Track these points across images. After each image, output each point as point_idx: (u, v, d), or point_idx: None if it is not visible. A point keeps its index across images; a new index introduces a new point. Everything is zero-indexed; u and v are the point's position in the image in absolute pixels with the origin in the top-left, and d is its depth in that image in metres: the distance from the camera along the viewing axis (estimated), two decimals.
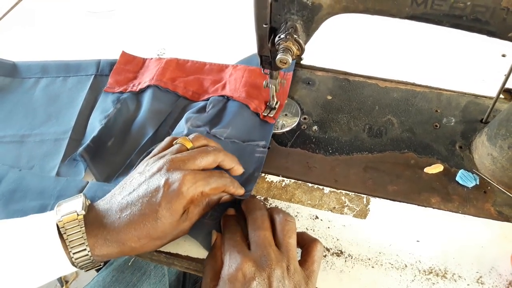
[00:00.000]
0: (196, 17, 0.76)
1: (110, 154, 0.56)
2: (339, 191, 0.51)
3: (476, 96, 0.61)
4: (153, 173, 0.43)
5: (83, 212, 0.40)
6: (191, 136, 0.48)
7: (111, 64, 0.66)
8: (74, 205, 0.41)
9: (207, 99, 0.60)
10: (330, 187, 0.51)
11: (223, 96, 0.60)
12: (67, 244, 0.39)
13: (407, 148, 0.54)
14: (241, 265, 0.38)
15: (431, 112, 0.58)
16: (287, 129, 0.57)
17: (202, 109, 0.59)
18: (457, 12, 0.39)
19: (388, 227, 0.48)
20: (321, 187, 0.51)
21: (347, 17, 0.46)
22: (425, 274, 0.44)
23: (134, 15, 0.74)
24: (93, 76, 0.66)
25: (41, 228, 0.40)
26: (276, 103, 0.58)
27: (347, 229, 0.48)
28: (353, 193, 0.51)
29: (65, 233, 0.39)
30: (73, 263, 0.40)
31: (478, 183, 0.50)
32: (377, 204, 0.50)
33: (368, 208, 0.50)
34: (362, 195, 0.51)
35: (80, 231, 0.39)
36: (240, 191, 0.47)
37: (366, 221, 0.48)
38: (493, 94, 0.54)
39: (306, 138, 0.56)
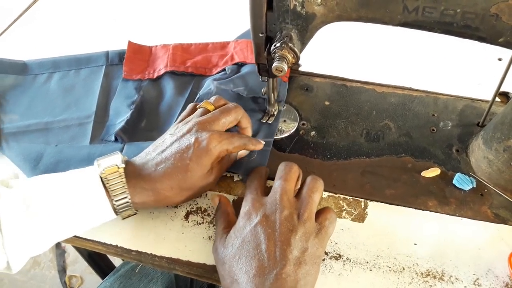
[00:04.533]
0: (187, 9, 0.79)
1: (145, 132, 0.60)
2: (337, 195, 0.52)
3: (473, 99, 0.61)
4: (183, 133, 0.48)
5: (123, 165, 0.45)
6: (212, 99, 0.53)
7: (119, 54, 0.71)
8: (113, 160, 0.46)
9: (222, 70, 0.66)
10: (329, 191, 0.52)
11: (236, 64, 0.66)
12: (110, 193, 0.44)
13: (404, 152, 0.55)
14: (253, 205, 0.44)
15: (428, 116, 0.59)
16: (286, 134, 0.58)
17: (223, 75, 0.65)
18: (448, 19, 0.40)
19: (386, 231, 0.48)
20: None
21: (344, 24, 0.46)
22: (423, 277, 0.45)
23: (134, 21, 0.75)
24: (104, 66, 0.70)
25: (85, 180, 0.44)
26: (275, 110, 0.59)
27: (345, 232, 0.49)
28: (351, 197, 0.52)
29: (107, 183, 0.44)
30: (114, 210, 0.45)
31: (474, 186, 0.51)
32: (375, 208, 0.50)
33: (366, 212, 0.50)
34: (360, 199, 0.51)
35: (121, 181, 0.44)
36: (259, 146, 0.52)
37: (364, 225, 0.49)
38: (490, 97, 0.55)
39: (305, 143, 0.57)
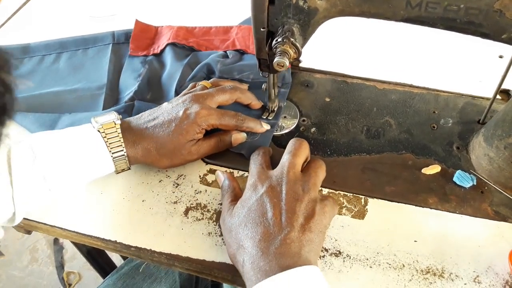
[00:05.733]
0: (195, 11, 0.78)
1: (151, 102, 0.62)
2: (337, 192, 0.52)
3: (474, 97, 0.61)
4: (178, 103, 0.52)
5: (119, 122, 0.49)
6: (210, 81, 0.58)
7: (126, 33, 0.73)
8: (110, 117, 0.50)
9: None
10: (329, 188, 0.52)
11: (237, 50, 0.68)
12: (108, 145, 0.48)
13: (405, 149, 0.55)
14: (259, 176, 0.46)
15: (429, 113, 0.59)
16: (286, 131, 0.58)
17: (225, 56, 0.67)
18: (451, 15, 0.40)
19: (386, 228, 0.48)
20: (319, 188, 0.52)
21: (345, 20, 0.46)
22: (423, 274, 0.45)
23: (134, 19, 0.75)
24: (111, 44, 0.72)
25: (86, 134, 0.48)
26: (275, 106, 0.59)
27: (345, 229, 0.48)
28: (351, 194, 0.51)
29: (105, 137, 0.48)
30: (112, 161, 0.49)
31: (475, 183, 0.51)
32: (375, 205, 0.50)
33: (366, 209, 0.50)
34: (360, 196, 0.51)
35: (118, 135, 0.48)
36: (258, 128, 0.55)
37: (364, 222, 0.49)
38: (490, 95, 0.55)
39: (305, 140, 0.56)
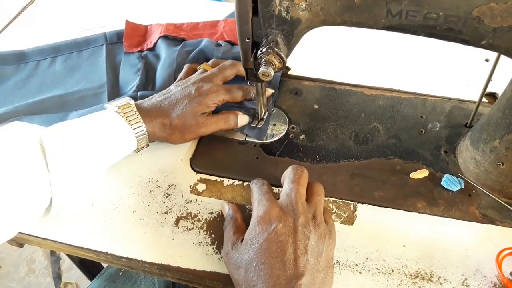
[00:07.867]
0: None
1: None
2: (326, 198, 0.52)
3: (461, 101, 0.62)
4: (187, 85, 0.56)
5: (133, 102, 0.53)
6: (209, 62, 0.62)
7: (117, 33, 0.75)
8: (123, 100, 0.53)
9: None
10: None
11: (227, 41, 0.71)
12: (128, 123, 0.51)
13: (393, 154, 0.55)
14: (268, 210, 0.43)
15: (416, 118, 0.60)
16: (276, 138, 0.58)
17: (218, 45, 0.70)
18: (431, 23, 0.40)
19: (375, 233, 0.49)
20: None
21: (332, 27, 0.47)
22: (412, 278, 0.45)
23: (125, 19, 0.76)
24: (104, 45, 0.74)
25: (106, 117, 0.51)
26: (264, 113, 0.59)
27: None
28: (340, 200, 0.52)
29: (124, 116, 0.51)
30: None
31: (463, 186, 0.51)
32: (364, 210, 0.51)
33: (355, 215, 0.50)
34: (349, 202, 0.52)
35: (135, 113, 0.51)
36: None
37: (353, 227, 0.49)
38: (477, 98, 0.55)
39: (294, 147, 0.57)
